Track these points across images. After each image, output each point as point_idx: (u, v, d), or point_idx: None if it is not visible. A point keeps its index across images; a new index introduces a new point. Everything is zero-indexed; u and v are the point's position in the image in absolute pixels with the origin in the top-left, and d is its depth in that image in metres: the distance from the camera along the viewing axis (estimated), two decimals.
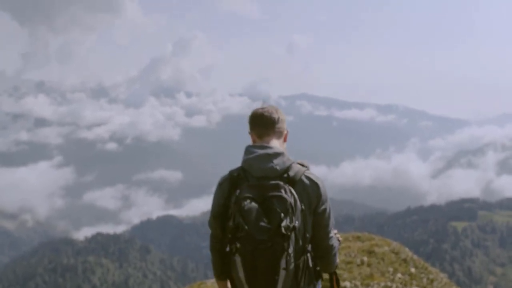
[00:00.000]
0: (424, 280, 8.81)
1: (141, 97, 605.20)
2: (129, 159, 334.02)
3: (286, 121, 2.88)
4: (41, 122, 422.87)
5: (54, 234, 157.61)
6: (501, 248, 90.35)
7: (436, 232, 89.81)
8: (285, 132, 2.85)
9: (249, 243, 2.40)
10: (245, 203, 2.45)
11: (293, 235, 2.43)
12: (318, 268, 2.76)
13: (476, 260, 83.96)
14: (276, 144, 2.74)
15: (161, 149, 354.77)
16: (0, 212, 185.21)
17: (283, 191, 2.47)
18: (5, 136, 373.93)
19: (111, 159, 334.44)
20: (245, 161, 2.65)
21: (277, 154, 2.62)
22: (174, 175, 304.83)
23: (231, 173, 2.70)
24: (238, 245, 2.42)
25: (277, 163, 2.59)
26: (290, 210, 2.43)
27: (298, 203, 2.50)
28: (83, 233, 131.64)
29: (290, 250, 2.42)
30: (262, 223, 2.40)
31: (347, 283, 8.01)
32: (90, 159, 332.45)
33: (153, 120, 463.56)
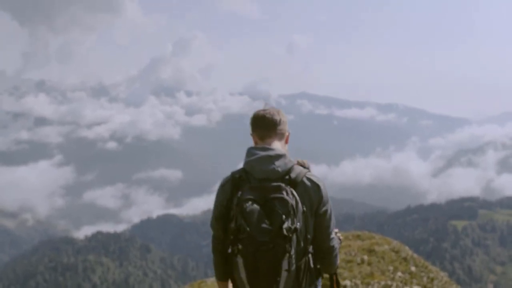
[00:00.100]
0: (424, 278, 8.82)
1: (141, 96, 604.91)
2: (129, 158, 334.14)
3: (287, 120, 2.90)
4: (41, 121, 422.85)
5: (54, 233, 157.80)
6: (501, 247, 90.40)
7: (436, 231, 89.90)
8: (287, 134, 2.87)
9: (251, 244, 2.42)
10: (247, 204, 2.47)
11: (294, 236, 2.46)
12: (318, 267, 2.80)
13: (476, 259, 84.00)
14: (277, 146, 2.76)
15: (161, 148, 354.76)
16: (1, 211, 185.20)
17: (284, 193, 2.49)
18: (5, 135, 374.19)
19: (111, 158, 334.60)
20: (247, 163, 2.67)
21: (279, 156, 2.64)
22: (174, 174, 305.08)
23: (233, 174, 2.71)
24: (240, 246, 2.45)
25: (279, 165, 2.61)
26: (292, 212, 2.46)
27: (300, 204, 2.52)
28: (84, 232, 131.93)
29: (292, 251, 2.44)
30: (263, 225, 2.43)
31: (348, 282, 8.00)
32: (90, 158, 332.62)
33: (153, 119, 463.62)
